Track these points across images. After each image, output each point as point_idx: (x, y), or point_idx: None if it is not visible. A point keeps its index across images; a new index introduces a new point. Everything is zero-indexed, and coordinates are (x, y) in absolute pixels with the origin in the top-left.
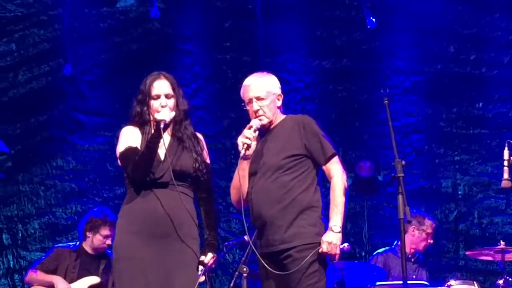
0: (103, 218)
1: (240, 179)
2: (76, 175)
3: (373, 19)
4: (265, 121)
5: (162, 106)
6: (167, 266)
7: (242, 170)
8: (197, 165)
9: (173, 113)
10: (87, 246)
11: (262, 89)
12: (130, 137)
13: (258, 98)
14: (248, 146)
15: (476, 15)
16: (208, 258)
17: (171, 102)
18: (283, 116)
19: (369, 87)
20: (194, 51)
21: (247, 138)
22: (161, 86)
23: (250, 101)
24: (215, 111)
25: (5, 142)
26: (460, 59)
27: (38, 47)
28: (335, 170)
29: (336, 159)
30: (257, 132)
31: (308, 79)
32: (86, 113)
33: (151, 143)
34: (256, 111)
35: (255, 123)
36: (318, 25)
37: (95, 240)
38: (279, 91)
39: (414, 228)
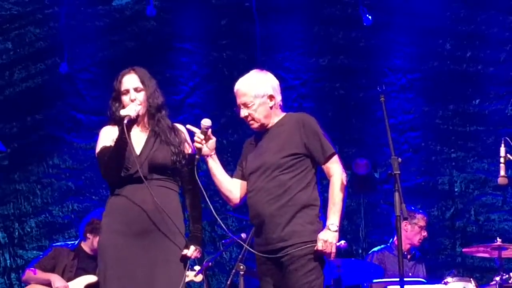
0: None
1: (212, 178)
2: (73, 174)
3: (369, 17)
4: (255, 125)
5: (132, 100)
6: (151, 262)
7: (211, 169)
8: (175, 157)
9: (139, 107)
10: (86, 247)
11: (248, 95)
12: (106, 138)
13: (245, 105)
14: (199, 149)
15: (472, 12)
16: (191, 251)
17: (141, 95)
18: (282, 115)
19: (365, 84)
20: (191, 50)
21: (196, 143)
22: (129, 80)
23: (239, 106)
24: (212, 109)
25: (2, 141)
26: (456, 56)
27: (34, 46)
28: (335, 169)
29: (335, 158)
30: (209, 130)
31: (305, 77)
32: (83, 112)
33: (118, 141)
34: (245, 118)
35: (203, 124)
36: (315, 23)
37: (95, 242)
38: (270, 91)
39: (406, 223)
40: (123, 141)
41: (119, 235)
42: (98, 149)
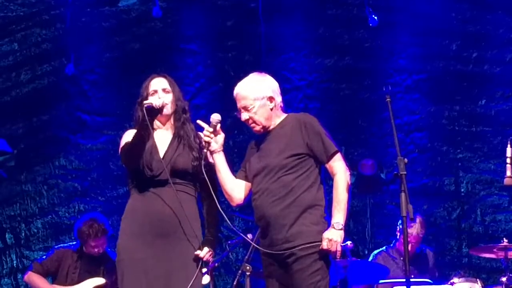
0: (88, 232)
1: (217, 174)
2: (79, 175)
3: (375, 17)
4: (257, 128)
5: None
6: (167, 265)
7: (216, 165)
8: (195, 163)
9: (161, 100)
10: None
11: (247, 98)
12: (130, 137)
13: (245, 108)
14: (208, 143)
15: (478, 12)
16: (204, 252)
17: (168, 96)
18: (284, 115)
19: (371, 85)
20: (197, 51)
21: (205, 136)
22: (158, 82)
23: (240, 110)
24: (218, 110)
25: (8, 142)
26: (462, 57)
27: (40, 47)
28: (338, 167)
29: (338, 156)
30: (218, 125)
31: (310, 78)
32: (89, 113)
33: (139, 127)
34: (246, 121)
35: (213, 118)
36: (321, 24)
37: (85, 247)
38: (270, 93)
39: (398, 230)
40: (143, 126)
41: (138, 238)
42: (121, 146)
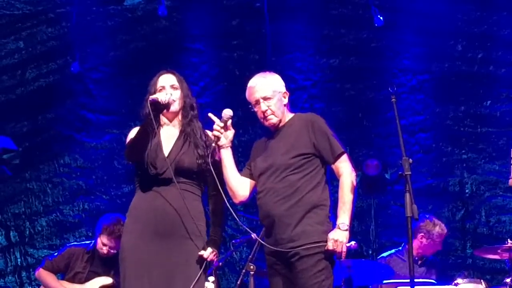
0: (105, 227)
1: (223, 169)
2: (84, 173)
3: (381, 18)
4: (274, 120)
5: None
6: (169, 264)
7: (223, 161)
8: (200, 160)
9: (168, 96)
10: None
11: (268, 89)
12: (135, 132)
13: (265, 98)
14: (217, 138)
15: (483, 13)
16: (207, 252)
17: (176, 93)
18: (291, 115)
19: (376, 85)
20: (202, 50)
21: (215, 131)
22: (166, 78)
23: (257, 102)
24: (223, 109)
25: (13, 140)
26: (467, 58)
27: (46, 45)
28: (344, 168)
29: (345, 157)
30: (230, 121)
31: (315, 78)
32: (93, 111)
33: (143, 122)
34: (264, 112)
35: (224, 113)
36: (326, 24)
37: (98, 241)
38: (284, 89)
39: (423, 236)
40: (147, 121)
41: (140, 236)
42: (126, 142)
